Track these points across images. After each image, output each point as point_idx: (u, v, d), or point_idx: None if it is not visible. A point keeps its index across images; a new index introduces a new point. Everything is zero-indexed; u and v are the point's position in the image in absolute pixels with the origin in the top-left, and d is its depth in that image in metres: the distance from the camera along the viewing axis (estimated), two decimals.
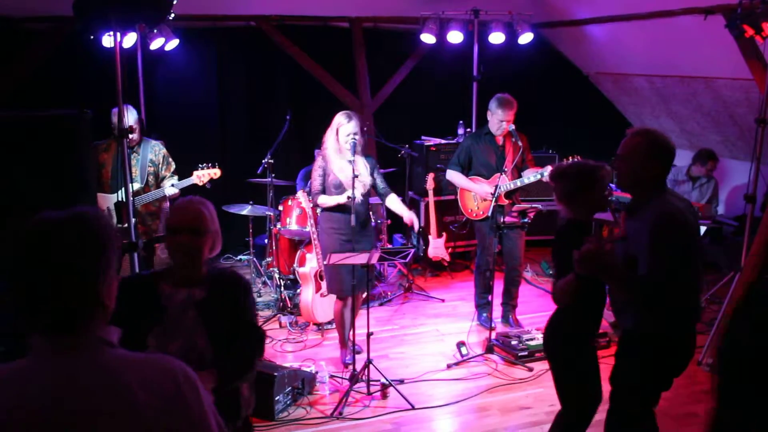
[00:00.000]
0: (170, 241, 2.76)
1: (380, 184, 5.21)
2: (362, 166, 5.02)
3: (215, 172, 5.74)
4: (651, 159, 3.13)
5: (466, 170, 5.90)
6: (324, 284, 5.50)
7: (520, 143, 5.59)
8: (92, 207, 1.60)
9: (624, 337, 3.33)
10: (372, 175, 5.13)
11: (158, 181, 5.66)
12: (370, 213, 5.34)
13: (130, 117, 5.38)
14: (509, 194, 5.72)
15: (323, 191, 5.04)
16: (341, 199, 4.93)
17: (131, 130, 5.01)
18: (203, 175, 5.69)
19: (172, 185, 5.63)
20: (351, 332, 5.17)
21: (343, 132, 4.93)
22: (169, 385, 1.53)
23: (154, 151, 5.63)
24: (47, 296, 1.48)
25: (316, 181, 5.05)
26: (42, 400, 1.44)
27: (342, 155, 4.95)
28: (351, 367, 4.90)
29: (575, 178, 3.36)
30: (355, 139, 4.93)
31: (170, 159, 5.75)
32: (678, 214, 3.04)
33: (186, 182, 5.66)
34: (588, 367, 3.42)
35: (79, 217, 1.53)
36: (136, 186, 5.47)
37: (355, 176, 4.82)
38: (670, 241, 2.98)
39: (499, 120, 5.60)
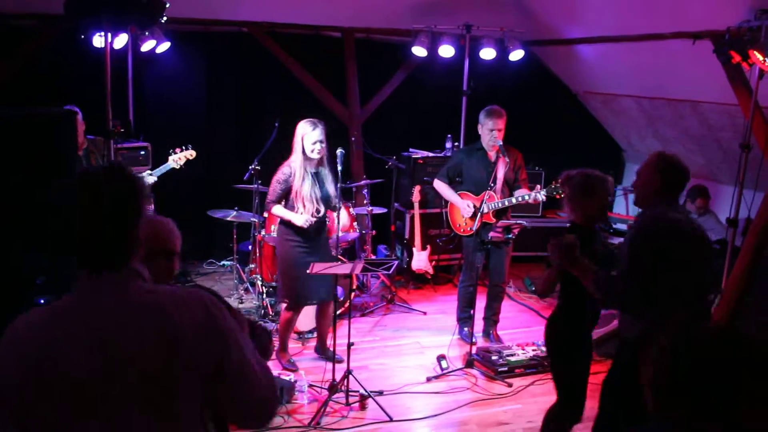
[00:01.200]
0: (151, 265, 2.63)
1: (335, 196, 5.18)
2: (329, 183, 5.07)
3: (191, 153, 5.75)
4: (654, 173, 3.28)
5: (456, 185, 5.90)
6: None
7: (507, 160, 5.59)
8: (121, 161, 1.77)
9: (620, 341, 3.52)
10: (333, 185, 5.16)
11: None
12: (327, 221, 5.35)
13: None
14: (498, 213, 5.72)
15: (279, 201, 5.01)
16: (298, 220, 4.93)
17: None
18: (179, 158, 5.69)
19: (150, 173, 5.62)
20: (330, 341, 5.16)
21: (308, 140, 4.91)
22: (200, 308, 1.71)
23: (106, 147, 5.56)
24: (97, 236, 1.66)
25: (275, 190, 5.00)
26: (90, 329, 1.62)
27: (307, 166, 4.93)
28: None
29: (577, 184, 3.55)
30: (321, 146, 4.93)
31: (118, 155, 5.71)
32: (663, 220, 3.13)
33: (163, 168, 5.67)
34: (586, 360, 3.61)
35: (120, 168, 1.74)
36: None
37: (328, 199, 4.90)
38: (647, 242, 3.10)
39: (489, 129, 5.58)
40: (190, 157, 5.76)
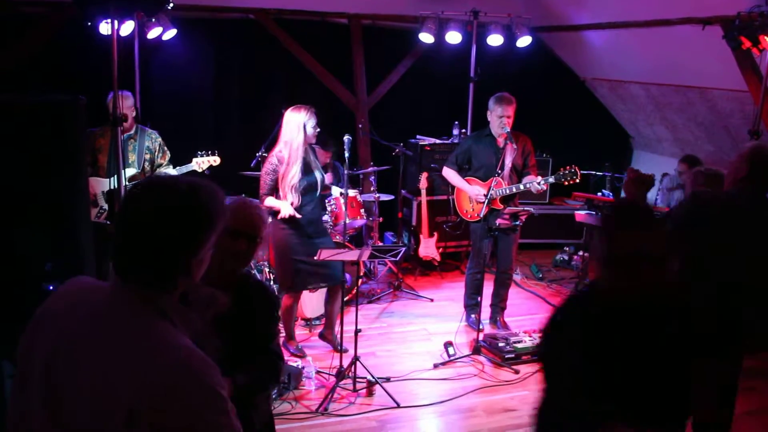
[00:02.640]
0: (226, 243, 2.45)
1: (322, 180, 5.23)
2: (316, 167, 5.11)
3: (215, 159, 5.80)
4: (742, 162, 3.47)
5: (464, 171, 5.89)
6: None
7: (515, 146, 5.58)
8: (211, 183, 1.64)
9: None
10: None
11: (154, 169, 5.68)
12: (325, 207, 5.36)
13: (126, 103, 5.36)
14: (505, 199, 5.71)
15: (272, 192, 5.02)
16: (284, 208, 4.95)
17: (124, 116, 5.02)
18: (203, 162, 5.74)
19: (175, 171, 5.67)
20: (338, 329, 5.17)
21: (309, 126, 4.94)
22: (188, 380, 1.48)
23: (151, 138, 5.67)
24: (126, 243, 1.54)
25: (266, 182, 5.01)
26: (81, 316, 1.56)
27: (299, 154, 4.94)
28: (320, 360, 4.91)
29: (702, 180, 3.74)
30: (318, 130, 5.01)
31: (165, 148, 5.77)
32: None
33: (185, 168, 5.72)
34: None
35: (195, 189, 1.58)
36: (133, 171, 5.49)
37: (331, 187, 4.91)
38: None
39: (498, 116, 5.56)
40: (214, 164, 5.80)
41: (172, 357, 1.49)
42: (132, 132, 5.56)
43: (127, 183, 4.96)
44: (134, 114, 5.56)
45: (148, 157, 5.61)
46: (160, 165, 5.70)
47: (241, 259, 2.61)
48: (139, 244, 1.53)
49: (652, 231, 2.06)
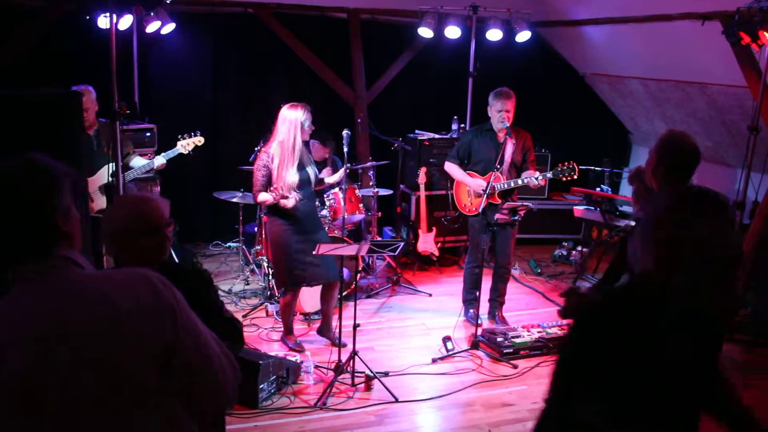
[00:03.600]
0: (133, 244, 2.47)
1: (317, 174, 5.24)
2: (309, 162, 5.10)
3: (199, 140, 5.79)
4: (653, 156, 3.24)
5: (464, 165, 5.89)
6: None
7: (514, 142, 5.58)
8: (41, 155, 1.74)
9: None
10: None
11: (123, 159, 5.62)
12: (320, 204, 5.37)
13: (89, 97, 5.32)
14: (504, 193, 5.71)
15: (265, 188, 4.99)
16: (288, 203, 4.95)
17: (86, 110, 5.01)
18: (188, 144, 5.72)
19: (162, 156, 5.65)
20: (336, 324, 5.17)
21: (306, 124, 4.94)
22: (143, 287, 1.65)
23: (105, 127, 5.57)
24: (16, 230, 1.62)
25: (258, 179, 4.98)
26: (30, 325, 1.56)
27: (293, 151, 4.93)
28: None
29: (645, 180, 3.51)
30: (313, 128, 5.01)
31: (126, 137, 5.73)
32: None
33: (172, 152, 5.71)
34: None
35: (30, 162, 1.68)
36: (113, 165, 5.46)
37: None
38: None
39: (497, 111, 5.56)
40: (199, 144, 5.78)
41: (142, 277, 1.68)
42: (97, 127, 5.51)
43: (111, 178, 4.90)
44: (96, 109, 5.48)
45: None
46: (127, 154, 5.65)
47: (156, 252, 2.56)
48: (18, 223, 1.63)
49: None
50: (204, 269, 2.84)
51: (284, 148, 4.90)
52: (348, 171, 5.73)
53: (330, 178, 5.46)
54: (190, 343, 1.69)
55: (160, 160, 5.63)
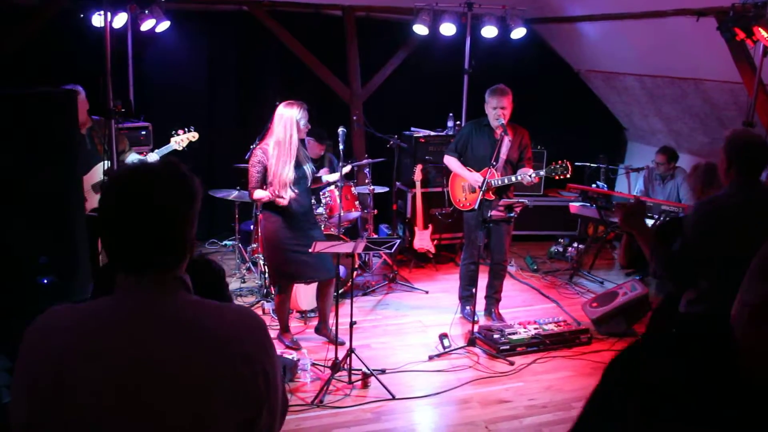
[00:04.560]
0: None
1: (313, 172, 5.22)
2: (305, 158, 5.09)
3: (193, 135, 5.75)
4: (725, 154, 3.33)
5: (462, 158, 5.89)
6: None
7: (510, 139, 5.58)
8: (176, 160, 1.61)
9: None
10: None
11: (118, 157, 5.61)
12: (316, 202, 5.38)
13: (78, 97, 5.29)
14: (499, 190, 5.71)
15: (261, 185, 4.99)
16: (283, 201, 4.94)
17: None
18: (181, 140, 5.69)
19: (155, 153, 5.63)
20: (333, 322, 5.17)
21: (302, 122, 4.92)
22: (253, 337, 1.55)
23: (99, 124, 5.55)
24: (144, 239, 1.50)
25: (254, 179, 4.98)
26: (121, 333, 1.46)
27: (289, 148, 4.92)
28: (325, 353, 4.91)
29: (702, 173, 3.63)
30: (309, 127, 5.00)
31: (121, 134, 5.73)
32: (707, 203, 3.24)
33: (166, 149, 5.68)
34: None
35: (175, 167, 1.56)
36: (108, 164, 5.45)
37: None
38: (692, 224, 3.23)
39: (493, 108, 5.56)
40: (193, 139, 5.75)
41: (253, 324, 1.58)
42: (90, 125, 5.49)
43: (105, 177, 4.90)
44: (87, 107, 5.45)
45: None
46: (123, 152, 5.64)
47: None
48: (156, 232, 1.51)
49: None
50: (220, 265, 2.82)
51: (281, 146, 4.89)
52: (350, 169, 5.71)
53: (329, 176, 5.46)
54: (274, 404, 1.57)
55: (153, 158, 5.61)
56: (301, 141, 5.10)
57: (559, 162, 5.49)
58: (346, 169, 5.54)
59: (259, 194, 4.95)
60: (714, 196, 3.29)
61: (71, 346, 1.45)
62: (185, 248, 1.57)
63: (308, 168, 5.10)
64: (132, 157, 5.64)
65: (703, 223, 3.17)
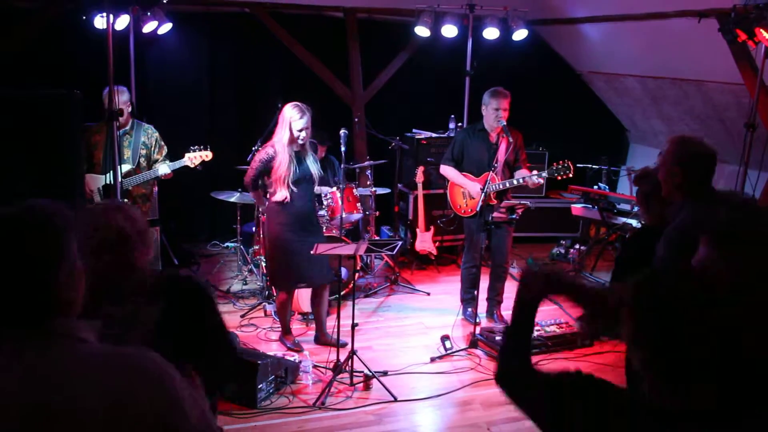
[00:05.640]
0: (100, 264, 2.15)
1: (319, 174, 5.18)
2: (311, 161, 5.05)
3: (207, 155, 5.73)
4: (674, 165, 3.13)
5: (459, 165, 5.88)
6: None
7: (511, 140, 5.58)
8: (45, 200, 1.53)
9: None
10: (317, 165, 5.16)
11: (150, 164, 5.66)
12: (318, 204, 5.40)
13: (121, 98, 5.33)
14: (499, 194, 5.70)
15: (257, 180, 5.02)
16: (277, 197, 4.95)
17: (120, 111, 5.01)
18: (195, 157, 5.68)
19: (167, 165, 5.63)
20: (333, 324, 5.17)
21: (295, 127, 4.89)
22: (142, 387, 1.47)
23: (147, 134, 5.64)
24: (5, 292, 1.43)
25: (251, 172, 5.00)
26: (10, 392, 1.41)
27: (290, 149, 4.93)
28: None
29: (656, 180, 3.32)
30: (306, 133, 4.92)
31: (162, 143, 5.76)
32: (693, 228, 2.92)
33: (178, 164, 5.66)
34: None
35: (43, 216, 1.48)
36: (127, 167, 5.47)
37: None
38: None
39: (494, 109, 5.54)
40: (206, 159, 5.72)
41: (143, 370, 1.49)
42: (128, 128, 5.55)
43: (121, 179, 4.92)
44: (130, 109, 5.52)
45: (144, 152, 5.60)
46: (156, 160, 5.68)
47: (128, 265, 2.26)
48: (13, 283, 1.44)
49: None
50: (207, 285, 2.60)
51: (279, 145, 4.91)
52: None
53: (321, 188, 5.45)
54: None
55: (165, 170, 5.60)
56: (312, 143, 5.10)
57: (561, 162, 5.48)
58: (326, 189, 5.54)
59: (256, 195, 5.05)
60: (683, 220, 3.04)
61: None
62: (54, 299, 1.47)
63: (314, 170, 5.08)
64: (163, 169, 5.61)
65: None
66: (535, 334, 5.49)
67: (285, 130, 4.89)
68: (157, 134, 5.72)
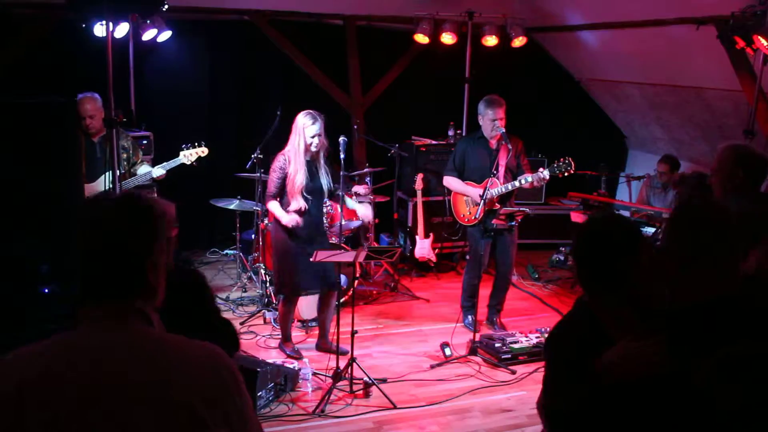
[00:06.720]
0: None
1: (329, 187, 5.17)
2: (323, 174, 5.06)
3: (203, 150, 5.71)
4: (736, 168, 3.46)
5: (461, 175, 5.88)
6: None
7: (510, 146, 5.58)
8: (143, 193, 1.67)
9: None
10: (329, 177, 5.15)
11: (131, 168, 5.60)
12: (324, 213, 5.39)
13: (94, 105, 5.30)
14: (503, 199, 5.70)
15: (279, 193, 5.01)
16: (284, 219, 4.95)
17: (92, 117, 5.00)
18: (190, 154, 5.66)
19: (161, 166, 5.60)
20: (332, 331, 5.16)
21: (308, 133, 4.90)
22: (208, 372, 1.55)
23: (123, 137, 5.56)
24: (100, 270, 1.56)
25: (273, 181, 5.00)
26: (82, 365, 1.48)
27: (303, 156, 4.93)
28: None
29: (696, 185, 3.69)
30: (319, 140, 4.93)
31: (137, 144, 5.73)
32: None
33: (173, 162, 5.64)
34: None
35: (135, 198, 1.62)
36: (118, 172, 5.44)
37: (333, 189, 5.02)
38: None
39: (491, 119, 5.56)
40: (202, 154, 5.71)
41: (213, 362, 1.58)
42: (104, 134, 5.48)
43: (110, 185, 4.88)
44: (103, 116, 5.44)
45: (124, 156, 5.54)
46: (135, 163, 5.64)
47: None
48: (107, 261, 1.56)
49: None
50: (200, 272, 2.75)
51: (293, 153, 4.93)
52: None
53: (359, 211, 5.42)
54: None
55: (159, 171, 5.59)
56: (333, 153, 5.11)
57: (562, 159, 5.45)
58: (366, 211, 5.51)
59: (273, 207, 4.98)
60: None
61: (30, 385, 1.46)
62: (143, 280, 1.59)
63: (325, 181, 5.08)
64: (143, 169, 5.63)
65: None
66: (534, 341, 5.50)
67: (299, 138, 4.91)
68: (131, 137, 5.70)
